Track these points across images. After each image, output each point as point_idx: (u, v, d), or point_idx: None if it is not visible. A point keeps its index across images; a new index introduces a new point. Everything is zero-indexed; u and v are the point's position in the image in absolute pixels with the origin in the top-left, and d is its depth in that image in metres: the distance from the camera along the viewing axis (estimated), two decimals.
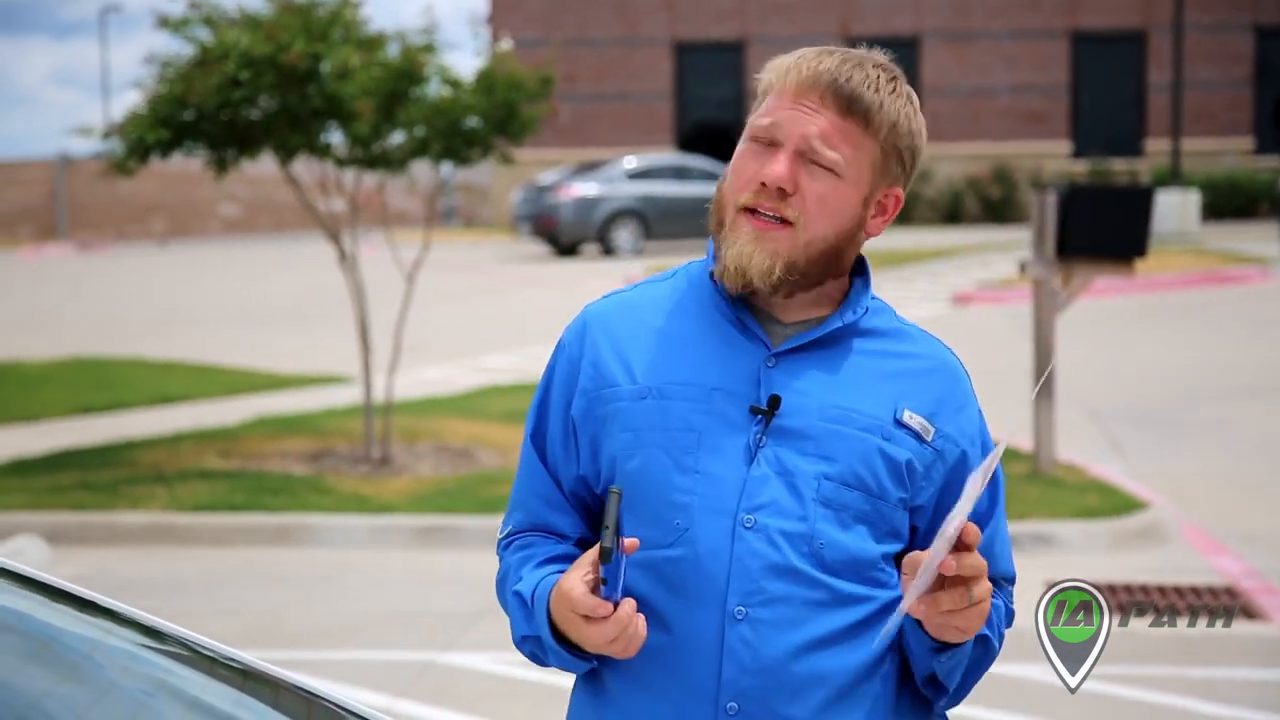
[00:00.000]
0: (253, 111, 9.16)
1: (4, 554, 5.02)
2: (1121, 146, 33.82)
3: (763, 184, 2.04)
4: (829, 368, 2.10)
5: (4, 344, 16.20)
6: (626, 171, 27.42)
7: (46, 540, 8.20)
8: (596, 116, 34.69)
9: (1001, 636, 2.16)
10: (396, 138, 9.68)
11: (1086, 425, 11.06)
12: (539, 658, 2.13)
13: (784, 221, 2.05)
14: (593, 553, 2.00)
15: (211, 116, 9.08)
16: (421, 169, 10.47)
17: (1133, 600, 6.97)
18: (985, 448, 2.18)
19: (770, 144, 2.06)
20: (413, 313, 10.41)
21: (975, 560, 1.94)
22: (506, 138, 9.82)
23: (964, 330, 16.74)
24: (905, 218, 33.60)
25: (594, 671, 2.13)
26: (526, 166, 29.15)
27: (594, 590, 1.97)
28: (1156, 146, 33.02)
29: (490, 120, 9.60)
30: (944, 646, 2.05)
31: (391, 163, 9.69)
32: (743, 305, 2.11)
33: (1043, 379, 9.02)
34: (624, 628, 1.96)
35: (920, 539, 2.12)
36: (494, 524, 7.54)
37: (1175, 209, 25.63)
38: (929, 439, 2.10)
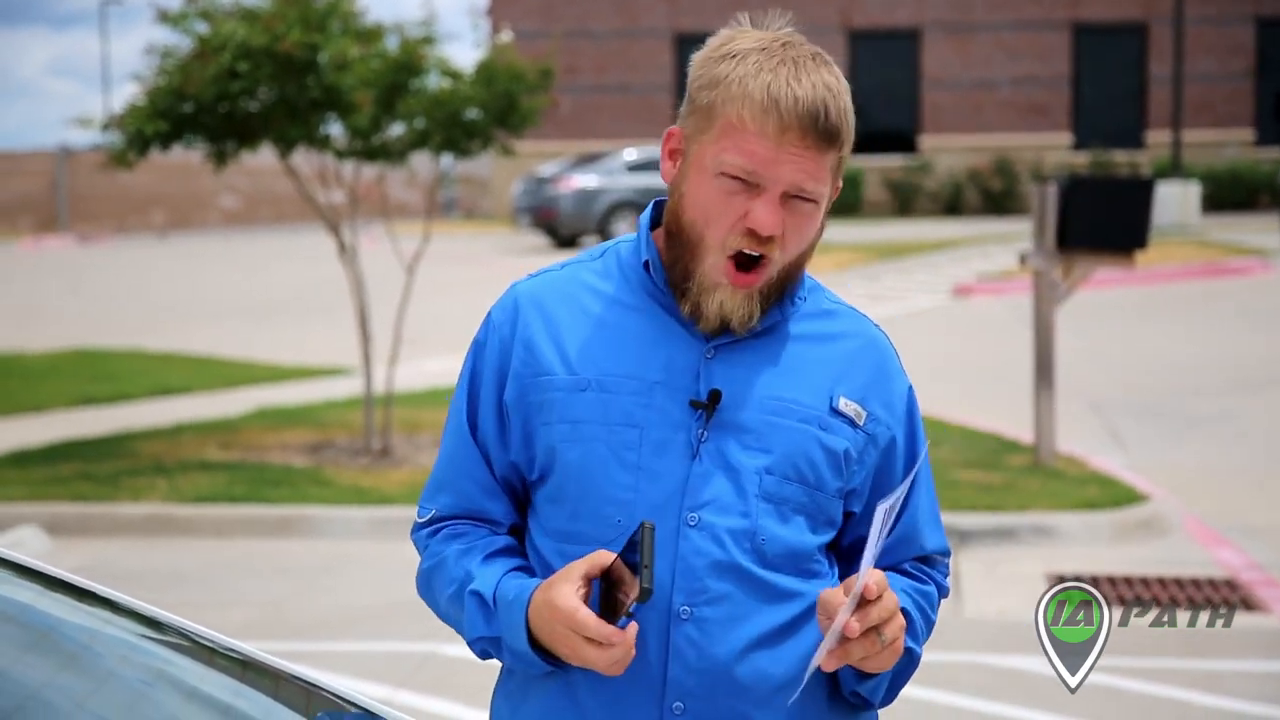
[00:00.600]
0: (251, 103, 9.16)
1: (4, 545, 5.01)
2: (1122, 138, 33.80)
3: (751, 230, 2.01)
4: (767, 357, 2.10)
5: (5, 335, 16.20)
6: (626, 163, 27.41)
7: (47, 531, 8.21)
8: (597, 108, 34.70)
9: (932, 624, 2.17)
10: (396, 129, 9.68)
11: (1087, 417, 11.06)
12: (490, 655, 2.10)
13: (765, 258, 2.04)
14: (579, 565, 1.97)
15: (210, 108, 9.07)
16: (421, 161, 10.47)
17: (1134, 596, 6.97)
18: (913, 419, 2.18)
19: (749, 184, 2.02)
20: (413, 304, 10.41)
21: (882, 608, 1.95)
22: (506, 129, 9.81)
23: (964, 322, 16.74)
24: (906, 209, 33.64)
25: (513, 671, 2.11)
26: (527, 158, 29.13)
27: (586, 602, 1.95)
28: (1157, 138, 33.00)
29: (490, 112, 9.59)
30: (866, 673, 2.08)
31: (391, 154, 9.68)
32: (680, 295, 2.09)
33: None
34: (628, 651, 1.95)
35: (854, 524, 2.14)
36: None
37: (1176, 201, 25.63)
38: (862, 423, 2.11)
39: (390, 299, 11.16)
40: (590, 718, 2.05)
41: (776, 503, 2.06)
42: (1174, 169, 26.68)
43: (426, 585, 2.16)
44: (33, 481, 8.90)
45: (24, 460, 9.57)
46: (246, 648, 2.18)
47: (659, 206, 2.16)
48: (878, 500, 2.04)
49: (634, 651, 1.95)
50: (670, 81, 34.52)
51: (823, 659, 1.95)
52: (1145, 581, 7.16)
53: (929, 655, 6.79)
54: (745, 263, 2.03)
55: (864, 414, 2.11)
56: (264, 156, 10.79)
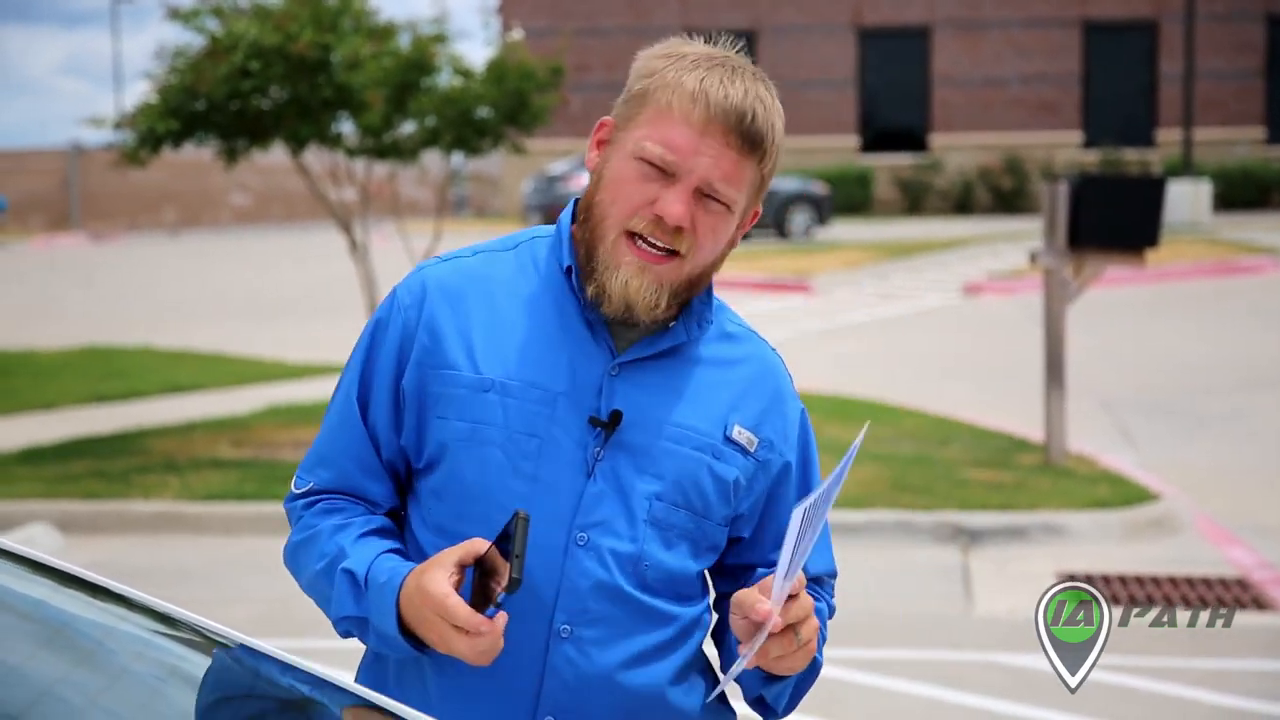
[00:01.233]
0: (263, 101, 9.18)
1: (15, 542, 5.02)
2: (1133, 136, 33.76)
3: (658, 217, 2.01)
4: (669, 380, 2.09)
5: (17, 333, 16.24)
6: None
7: (58, 529, 8.22)
8: (607, 106, 34.19)
9: (824, 638, 2.15)
10: (407, 128, 9.70)
11: (1098, 416, 11.05)
12: (353, 635, 2.08)
13: (672, 253, 2.03)
14: (453, 552, 1.95)
15: (221, 107, 9.09)
16: (432, 159, 10.49)
17: (1144, 595, 6.96)
18: (806, 442, 2.19)
19: (664, 172, 2.02)
20: None
21: (800, 606, 1.97)
22: (517, 127, 9.83)
23: (975, 320, 16.73)
24: (916, 208, 33.64)
25: (383, 658, 2.10)
26: (537, 156, 29.14)
27: (458, 590, 1.93)
28: (1168, 136, 32.96)
29: (501, 110, 9.61)
30: (772, 677, 2.09)
31: (402, 152, 9.70)
32: (592, 305, 2.07)
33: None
34: (496, 641, 1.92)
35: (741, 550, 2.16)
36: None
37: (1187, 199, 25.60)
38: (753, 450, 2.12)
39: None
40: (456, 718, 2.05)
41: (663, 529, 2.06)
42: (1185, 167, 26.64)
43: (293, 557, 2.13)
44: (44, 479, 8.92)
45: (36, 458, 9.59)
46: (258, 643, 2.18)
47: (579, 204, 2.14)
48: (761, 524, 2.12)
49: (502, 642, 1.92)
50: None
51: (753, 656, 1.96)
52: (1156, 580, 7.15)
53: (939, 654, 6.76)
54: (649, 248, 2.02)
55: (756, 441, 2.12)
56: (275, 154, 10.82)
